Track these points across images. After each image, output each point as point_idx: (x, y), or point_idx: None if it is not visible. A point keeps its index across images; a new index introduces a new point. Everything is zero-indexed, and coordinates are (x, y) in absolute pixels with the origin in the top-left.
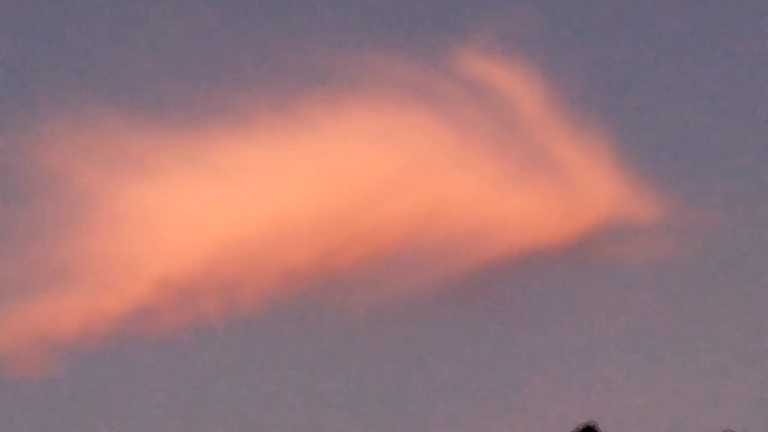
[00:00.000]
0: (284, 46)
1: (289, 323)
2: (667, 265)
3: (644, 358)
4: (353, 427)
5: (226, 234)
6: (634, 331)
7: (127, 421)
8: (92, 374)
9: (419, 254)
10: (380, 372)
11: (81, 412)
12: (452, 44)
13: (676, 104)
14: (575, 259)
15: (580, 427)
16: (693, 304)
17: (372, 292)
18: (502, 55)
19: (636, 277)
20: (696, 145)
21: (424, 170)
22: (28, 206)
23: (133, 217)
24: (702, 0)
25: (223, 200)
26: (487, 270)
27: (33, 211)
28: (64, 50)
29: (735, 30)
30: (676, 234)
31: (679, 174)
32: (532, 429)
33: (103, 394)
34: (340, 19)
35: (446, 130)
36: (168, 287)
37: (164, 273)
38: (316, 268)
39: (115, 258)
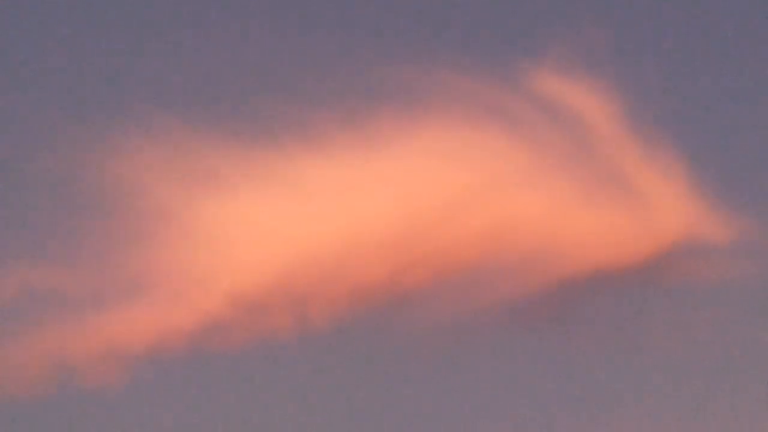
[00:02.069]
0: (357, 62)
1: (359, 340)
2: (741, 286)
3: (716, 378)
4: None
5: (297, 249)
6: (706, 352)
7: None
8: (162, 388)
9: (490, 273)
10: (450, 390)
11: (150, 425)
12: (525, 62)
13: (751, 126)
14: (647, 280)
15: None
16: (767, 326)
17: (442, 311)
18: (575, 73)
19: (709, 298)
20: None
21: (496, 188)
22: (101, 219)
23: (206, 232)
24: None
25: (295, 216)
26: (558, 289)
27: (106, 225)
28: (139, 64)
29: None
30: (750, 255)
31: (754, 195)
32: None
33: (173, 407)
34: (414, 37)
35: (518, 149)
36: (240, 302)
37: (236, 287)
38: (387, 285)
39: (188, 272)
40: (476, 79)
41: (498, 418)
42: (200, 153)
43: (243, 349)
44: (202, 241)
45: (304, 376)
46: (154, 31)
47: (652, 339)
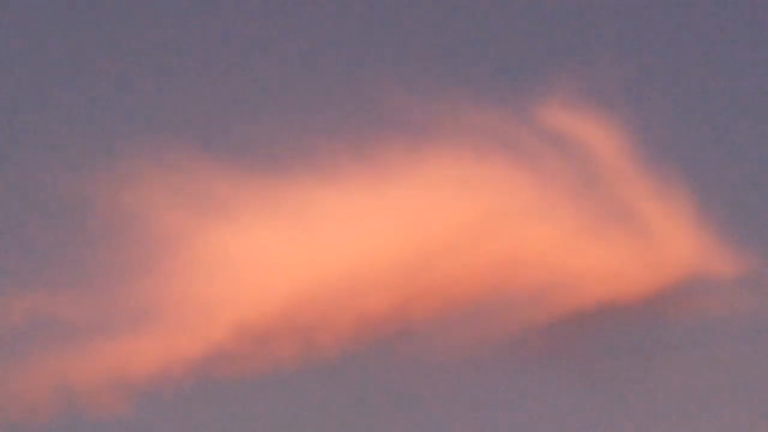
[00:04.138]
0: (367, 93)
1: (365, 369)
2: (747, 320)
3: (723, 413)
4: None
5: (304, 279)
6: (712, 386)
7: None
8: (167, 416)
9: (496, 304)
10: (455, 420)
11: None
12: (534, 94)
13: (759, 161)
14: (654, 313)
15: None
16: None
17: (448, 341)
18: (584, 107)
19: (716, 331)
20: None
21: (503, 220)
22: (108, 247)
23: (213, 261)
24: None
25: (302, 245)
26: (564, 322)
27: (113, 253)
28: (147, 92)
29: None
30: (757, 289)
31: (761, 230)
32: None
33: None
34: (422, 67)
35: (526, 181)
36: (246, 331)
37: (242, 317)
38: (393, 316)
39: (194, 301)
40: (485, 112)
41: None
42: (209, 182)
43: (248, 378)
44: (209, 270)
45: (310, 406)
46: (167, 62)
47: (659, 372)
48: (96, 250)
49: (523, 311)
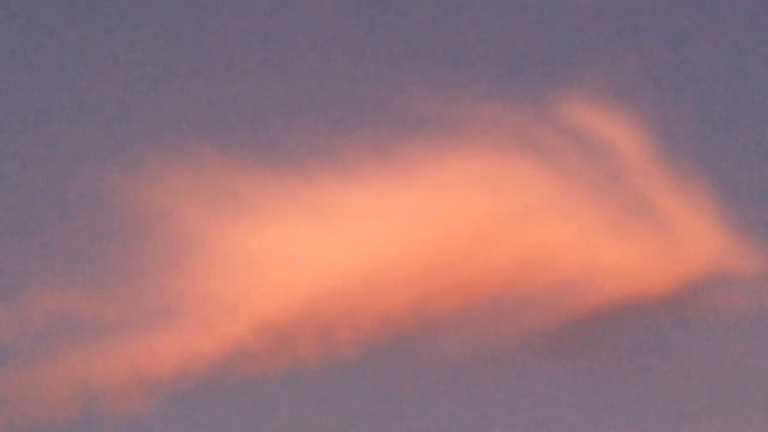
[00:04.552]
0: (388, 91)
1: (385, 367)
2: None
3: (746, 409)
4: None
5: (325, 276)
6: (734, 382)
7: None
8: (188, 414)
9: (518, 302)
10: (476, 418)
11: None
12: (556, 92)
13: None
14: (675, 310)
15: None
16: None
17: (469, 339)
18: (606, 103)
19: (737, 328)
20: None
21: (525, 218)
22: (130, 245)
23: (234, 259)
24: None
25: (323, 243)
26: (585, 319)
27: (134, 251)
28: (171, 91)
29: None
30: None
31: None
32: None
33: None
34: (444, 65)
35: (548, 178)
36: (266, 328)
37: (263, 315)
38: (414, 313)
39: (216, 299)
40: (507, 109)
41: None
42: (231, 180)
43: (269, 375)
44: (230, 268)
45: (330, 403)
46: (187, 59)
47: (680, 368)
48: (119, 249)
49: (544, 308)
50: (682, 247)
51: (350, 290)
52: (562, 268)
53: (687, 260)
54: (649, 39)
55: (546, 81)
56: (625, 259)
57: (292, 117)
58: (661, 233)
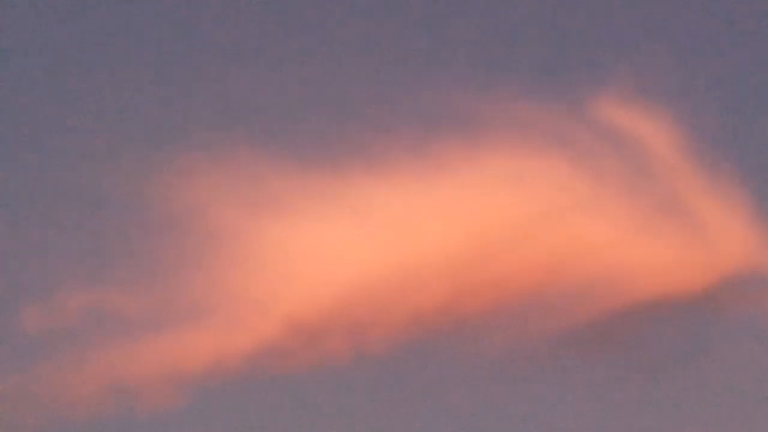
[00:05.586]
0: (422, 90)
1: (417, 365)
2: None
3: None
4: None
5: (356, 274)
6: (766, 381)
7: None
8: (220, 411)
9: (550, 300)
10: (508, 417)
11: None
12: (589, 90)
13: None
14: (708, 309)
15: None
16: None
17: (501, 337)
18: (638, 101)
19: None
20: None
21: (557, 216)
22: (162, 242)
23: (267, 256)
24: None
25: (355, 241)
26: (617, 317)
27: (167, 247)
28: (204, 89)
29: None
30: None
31: None
32: None
33: (231, 430)
34: (478, 63)
35: (580, 177)
36: (298, 326)
37: (295, 312)
38: (446, 311)
39: (248, 296)
40: (540, 107)
41: None
42: (264, 177)
43: (301, 373)
44: (262, 265)
45: (361, 401)
46: (222, 57)
47: (713, 368)
48: (152, 246)
49: (576, 307)
50: (714, 246)
51: (382, 288)
52: (594, 267)
53: (720, 259)
54: (682, 37)
55: (579, 80)
56: (658, 258)
57: (326, 115)
58: (694, 232)
